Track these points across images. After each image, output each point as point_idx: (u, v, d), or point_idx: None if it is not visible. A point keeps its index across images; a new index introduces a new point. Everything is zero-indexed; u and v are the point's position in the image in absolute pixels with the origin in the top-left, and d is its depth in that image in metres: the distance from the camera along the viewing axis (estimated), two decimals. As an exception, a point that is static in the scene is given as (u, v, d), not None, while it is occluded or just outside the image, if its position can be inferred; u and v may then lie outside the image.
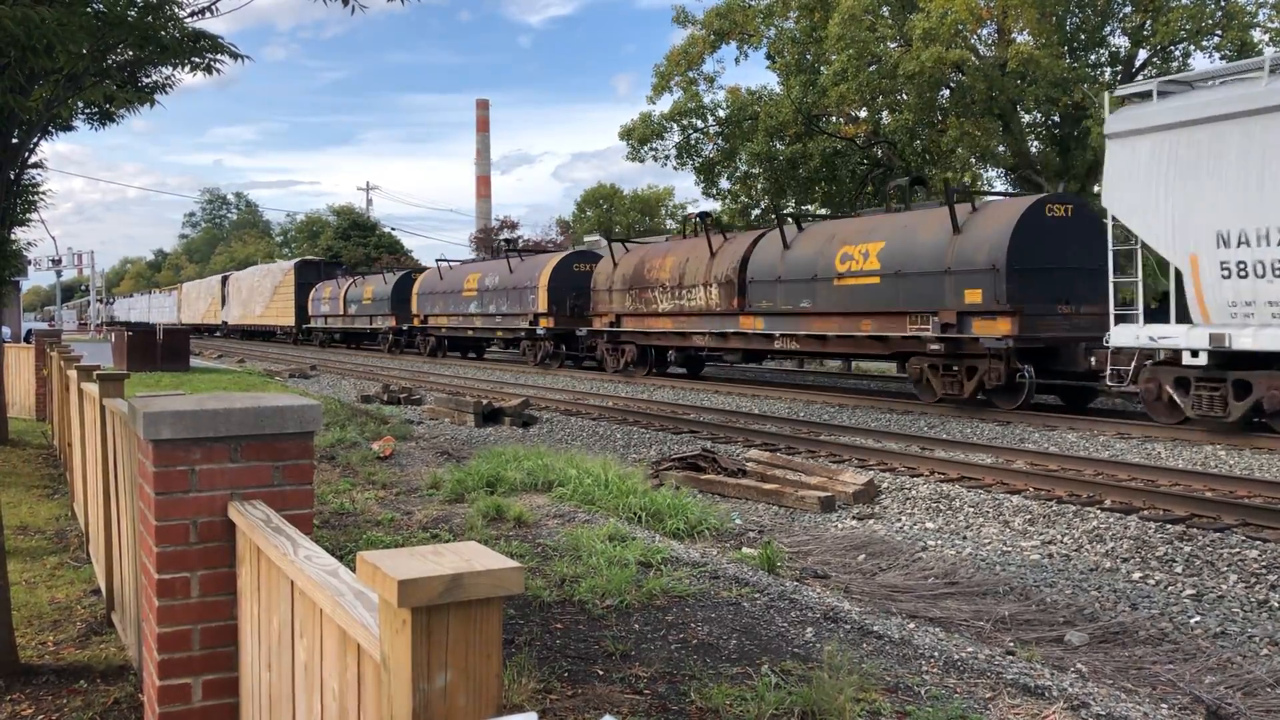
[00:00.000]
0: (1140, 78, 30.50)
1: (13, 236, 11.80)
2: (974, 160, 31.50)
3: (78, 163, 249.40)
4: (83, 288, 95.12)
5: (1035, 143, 31.10)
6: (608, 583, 5.85)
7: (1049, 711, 4.15)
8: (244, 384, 23.34)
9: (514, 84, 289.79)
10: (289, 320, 49.22)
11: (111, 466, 4.85)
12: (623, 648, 4.82)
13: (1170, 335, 12.25)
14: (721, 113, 34.93)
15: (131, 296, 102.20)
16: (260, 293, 53.70)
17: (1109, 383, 13.32)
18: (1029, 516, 8.50)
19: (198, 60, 5.42)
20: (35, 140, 6.97)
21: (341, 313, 43.80)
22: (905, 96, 28.77)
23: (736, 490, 9.98)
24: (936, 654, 4.86)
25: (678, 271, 21.97)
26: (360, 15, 5.48)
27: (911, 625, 5.54)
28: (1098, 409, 15.66)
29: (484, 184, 78.37)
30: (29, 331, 24.71)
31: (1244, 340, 11.41)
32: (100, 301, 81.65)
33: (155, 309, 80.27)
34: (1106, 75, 30.40)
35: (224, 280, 62.72)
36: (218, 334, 66.70)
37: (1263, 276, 11.22)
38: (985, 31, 29.60)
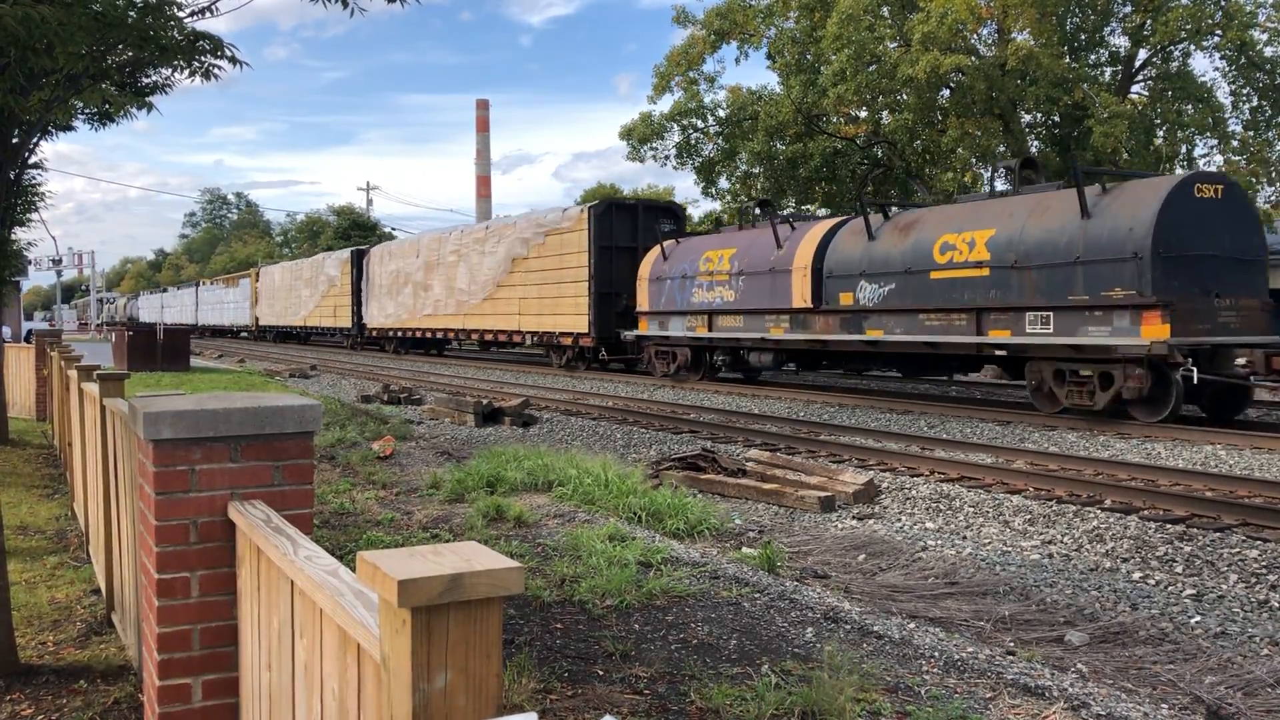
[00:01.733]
0: (1140, 78, 30.53)
1: (13, 236, 11.82)
2: (974, 160, 31.51)
3: (79, 162, 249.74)
4: (83, 287, 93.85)
5: (1035, 143, 31.10)
6: (608, 583, 5.85)
7: (1049, 711, 4.15)
8: (244, 384, 23.35)
9: (515, 84, 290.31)
10: (572, 321, 24.55)
11: (111, 466, 4.85)
12: (623, 648, 4.82)
13: None
14: (721, 112, 34.94)
15: (165, 291, 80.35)
16: (466, 270, 29.61)
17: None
18: (1029, 516, 8.50)
19: (197, 64, 5.43)
20: (35, 140, 6.98)
21: (886, 303, 16.30)
22: (905, 97, 28.80)
23: (736, 490, 9.98)
24: (937, 654, 4.86)
25: None
26: (362, 16, 5.49)
27: (911, 625, 5.54)
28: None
29: (484, 184, 78.35)
30: (29, 331, 24.72)
31: None
32: (103, 302, 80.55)
33: (208, 307, 62.46)
34: (1106, 75, 30.42)
35: (359, 257, 39.20)
36: (325, 339, 44.85)
37: None
38: (985, 31, 29.61)
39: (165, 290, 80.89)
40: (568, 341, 25.15)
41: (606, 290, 24.04)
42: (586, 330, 24.18)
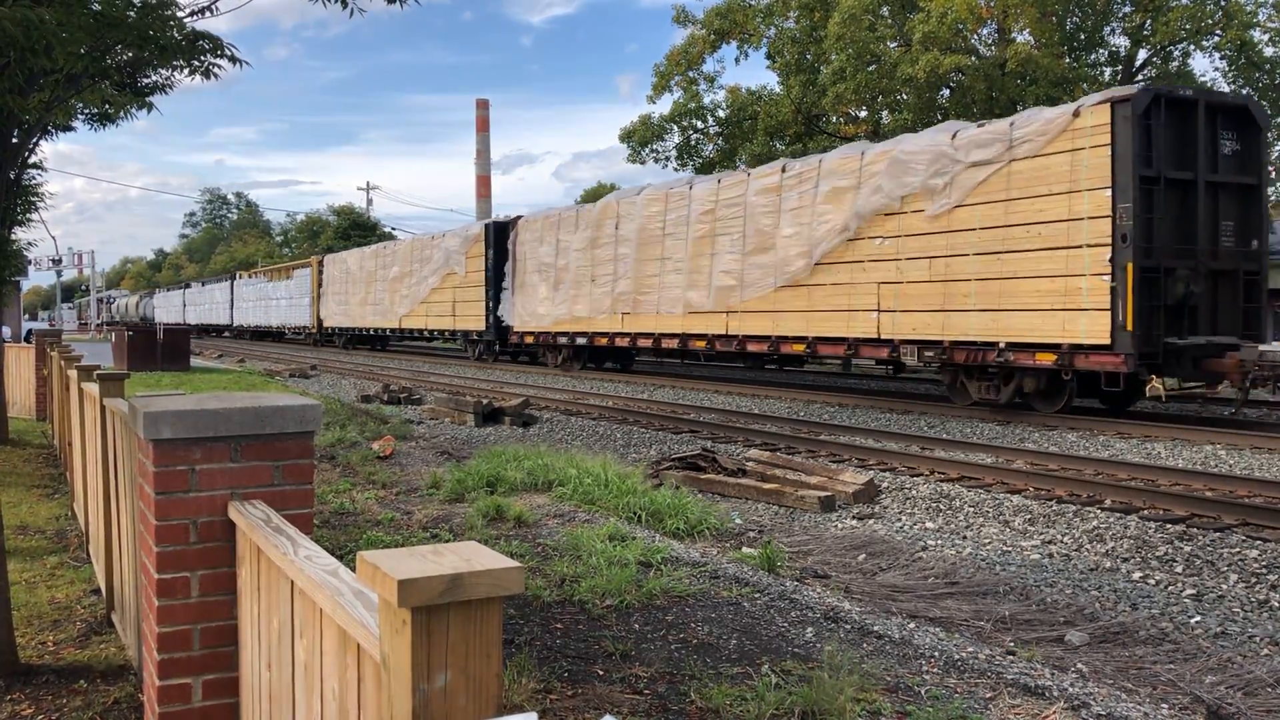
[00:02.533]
0: (1140, 78, 30.53)
1: (13, 236, 11.83)
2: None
3: (79, 162, 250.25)
4: (83, 287, 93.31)
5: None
6: (608, 582, 5.85)
7: (1049, 711, 4.15)
8: (244, 384, 23.35)
9: (516, 83, 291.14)
10: (1056, 322, 13.08)
11: (111, 466, 4.85)
12: (623, 648, 4.82)
13: None
14: (721, 113, 34.95)
15: (188, 287, 70.76)
16: (734, 240, 18.75)
17: None
18: (1029, 516, 8.50)
19: (196, 64, 5.43)
20: (35, 140, 6.98)
21: None
22: (905, 97, 28.81)
23: (736, 490, 9.98)
24: (937, 654, 4.86)
25: None
26: (363, 16, 5.49)
27: (912, 625, 5.54)
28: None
29: (484, 184, 78.34)
30: (29, 331, 24.76)
31: None
32: (103, 301, 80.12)
33: (249, 305, 52.70)
34: (1106, 75, 30.44)
35: (499, 233, 27.69)
36: (433, 347, 39.27)
37: None
38: (985, 31, 29.61)
39: (188, 286, 71.21)
40: (1039, 361, 13.41)
41: (1150, 265, 12.59)
42: (1106, 340, 12.59)
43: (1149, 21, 27.42)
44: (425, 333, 32.82)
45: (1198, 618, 6.12)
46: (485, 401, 16.21)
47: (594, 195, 53.08)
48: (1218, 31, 27.17)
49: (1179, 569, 7.08)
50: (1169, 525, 7.80)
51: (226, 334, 60.38)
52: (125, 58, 5.42)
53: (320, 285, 42.64)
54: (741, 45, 34.03)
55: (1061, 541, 7.92)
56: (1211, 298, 13.38)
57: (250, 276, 56.63)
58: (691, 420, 14.79)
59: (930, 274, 15.08)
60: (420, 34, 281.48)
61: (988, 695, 4.34)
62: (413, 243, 33.97)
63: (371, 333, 37.49)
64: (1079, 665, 5.26)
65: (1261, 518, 7.78)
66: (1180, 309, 13.00)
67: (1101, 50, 30.52)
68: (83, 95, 5.78)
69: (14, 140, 5.16)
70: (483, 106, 79.31)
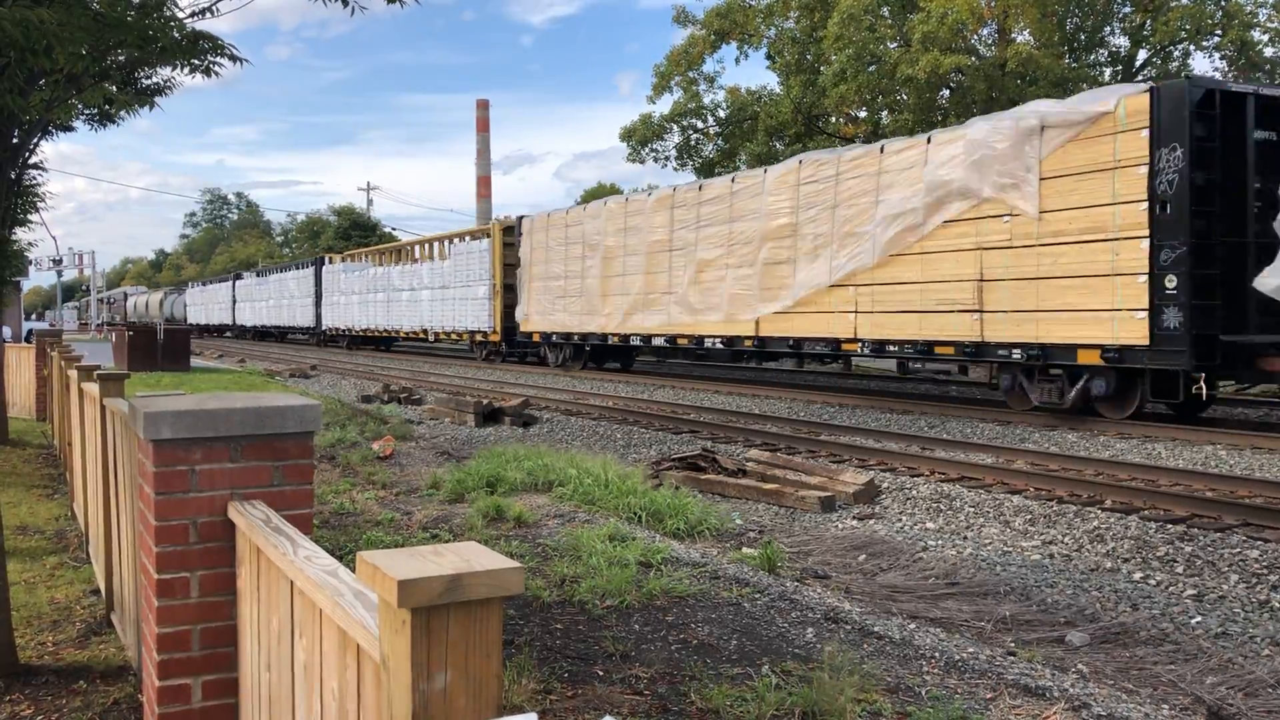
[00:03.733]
0: (1140, 78, 30.54)
1: (13, 237, 11.82)
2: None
3: (80, 162, 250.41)
4: (84, 287, 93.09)
5: (1035, 143, 31.03)
6: (608, 583, 5.85)
7: (1050, 712, 4.14)
8: (244, 384, 23.35)
9: (516, 84, 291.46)
10: None
11: (111, 466, 4.85)
12: (623, 648, 4.82)
13: None
14: (721, 113, 34.95)
15: (239, 279, 55.53)
16: None
17: None
18: (1029, 517, 8.50)
19: (196, 62, 5.43)
20: (35, 141, 6.98)
21: None
22: (905, 97, 28.81)
23: (737, 490, 9.98)
24: (937, 654, 4.86)
25: None
26: (364, 15, 5.49)
27: (912, 625, 5.54)
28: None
29: (484, 184, 78.33)
30: (29, 331, 24.77)
31: None
32: (105, 301, 79.81)
33: (350, 300, 38.21)
34: (1106, 75, 30.44)
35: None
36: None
37: None
38: (985, 31, 29.62)
39: (239, 278, 55.45)
40: None
41: None
42: None
43: (1149, 22, 27.42)
44: (839, 346, 16.61)
45: (1198, 618, 6.11)
46: (485, 402, 16.21)
47: (593, 196, 52.95)
48: (1218, 32, 27.17)
49: (1180, 569, 7.07)
50: (1170, 525, 7.80)
51: (295, 337, 46.31)
52: (125, 58, 5.42)
53: (512, 265, 27.16)
54: (741, 45, 34.03)
55: (1062, 542, 7.91)
56: None
57: (348, 260, 40.48)
58: (691, 420, 14.79)
59: None
60: (421, 34, 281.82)
61: (988, 696, 4.34)
62: (785, 172, 17.40)
63: (635, 341, 22.28)
64: (1080, 666, 5.26)
65: (1262, 518, 7.77)
66: None
67: (1101, 50, 30.53)
68: (83, 95, 5.78)
69: (14, 140, 5.16)
70: (483, 107, 79.28)
